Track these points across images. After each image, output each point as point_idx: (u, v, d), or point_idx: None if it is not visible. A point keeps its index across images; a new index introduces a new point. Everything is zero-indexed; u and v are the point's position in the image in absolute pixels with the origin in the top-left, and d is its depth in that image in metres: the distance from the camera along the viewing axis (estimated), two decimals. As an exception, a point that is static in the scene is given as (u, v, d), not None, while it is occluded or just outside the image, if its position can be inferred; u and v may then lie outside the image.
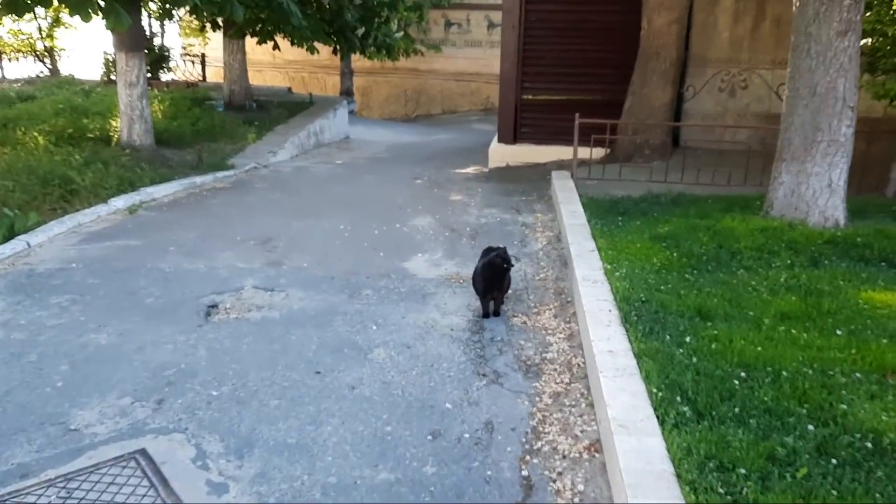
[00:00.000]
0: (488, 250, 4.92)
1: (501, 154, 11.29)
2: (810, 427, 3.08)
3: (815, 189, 6.02)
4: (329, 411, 3.65)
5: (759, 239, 5.82)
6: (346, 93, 21.53)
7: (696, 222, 6.35)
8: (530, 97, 11.16)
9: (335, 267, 5.91)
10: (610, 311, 4.27)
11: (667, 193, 7.68)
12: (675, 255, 5.48)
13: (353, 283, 5.51)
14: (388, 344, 4.43)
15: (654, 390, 3.34)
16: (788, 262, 5.31)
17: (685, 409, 3.20)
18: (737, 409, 3.20)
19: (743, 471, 2.80)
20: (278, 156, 11.48)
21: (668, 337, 3.93)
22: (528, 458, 3.30)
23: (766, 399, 3.29)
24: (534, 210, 7.96)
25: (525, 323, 4.79)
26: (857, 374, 3.53)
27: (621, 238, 5.90)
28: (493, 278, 4.57)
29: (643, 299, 4.48)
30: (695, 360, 3.66)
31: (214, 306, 5.00)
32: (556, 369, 4.12)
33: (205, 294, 5.20)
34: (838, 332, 4.02)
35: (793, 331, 4.03)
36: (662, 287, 4.76)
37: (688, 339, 3.90)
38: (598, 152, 9.22)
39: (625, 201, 7.49)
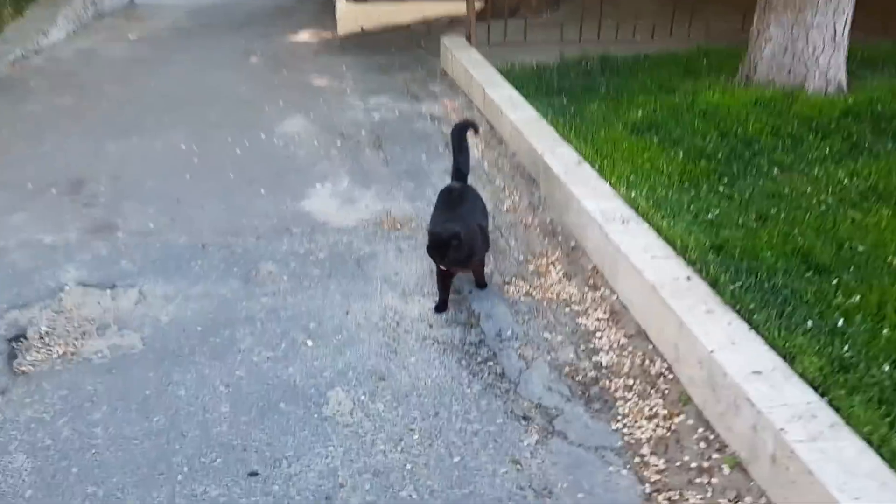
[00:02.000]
0: (446, 192, 3.28)
1: (353, 15, 9.08)
2: None
3: (816, 44, 4.72)
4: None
5: (762, 118, 4.52)
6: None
7: (669, 100, 4.91)
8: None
9: (200, 224, 3.90)
10: (688, 278, 2.76)
11: (588, 57, 6.11)
12: (679, 154, 4.04)
13: (239, 254, 3.58)
14: (345, 376, 2.71)
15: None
16: (825, 150, 4.06)
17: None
18: None
19: None
20: (51, 36, 8.50)
21: (808, 323, 2.51)
22: None
23: None
24: (434, 94, 6.15)
25: (531, 295, 3.19)
26: None
27: (593, 134, 4.33)
28: (446, 257, 2.91)
29: (710, 245, 3.00)
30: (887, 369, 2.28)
31: (19, 338, 2.93)
32: (630, 387, 2.61)
33: (-4, 312, 3.08)
34: None
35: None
36: (711, 215, 3.30)
37: (839, 321, 2.50)
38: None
39: (548, 73, 5.86)
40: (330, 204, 4.11)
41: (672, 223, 3.19)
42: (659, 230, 3.13)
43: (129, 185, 4.40)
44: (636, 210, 3.34)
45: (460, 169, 3.29)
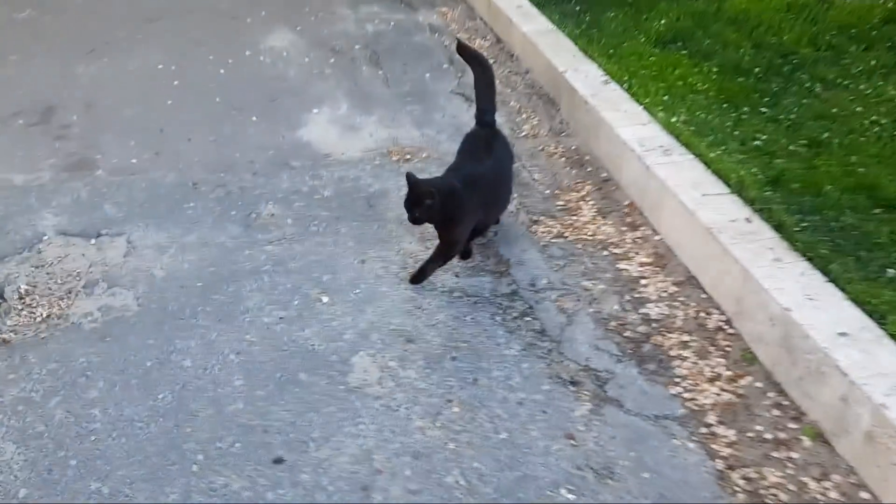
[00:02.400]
0: (470, 138, 2.86)
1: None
2: None
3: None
4: None
5: (797, 26, 4.13)
6: None
7: (693, 6, 4.50)
8: None
9: (188, 158, 3.52)
10: (748, 220, 2.48)
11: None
12: (712, 70, 3.67)
13: (236, 194, 3.22)
14: (369, 339, 2.43)
15: None
16: (870, 63, 3.71)
17: None
18: None
19: None
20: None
21: (889, 272, 2.25)
22: None
23: None
24: (430, 1, 5.62)
25: (563, 236, 2.89)
26: None
27: (615, 48, 3.94)
28: (414, 212, 2.53)
29: (766, 179, 2.70)
30: None
31: (-3, 299, 2.60)
32: (686, 344, 2.36)
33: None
34: None
35: None
36: (758, 141, 2.99)
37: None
38: None
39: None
40: (330, 132, 3.72)
41: (720, 153, 2.86)
42: (707, 162, 2.81)
43: (105, 113, 3.97)
44: (677, 138, 3.01)
45: (483, 109, 2.85)
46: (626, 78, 3.58)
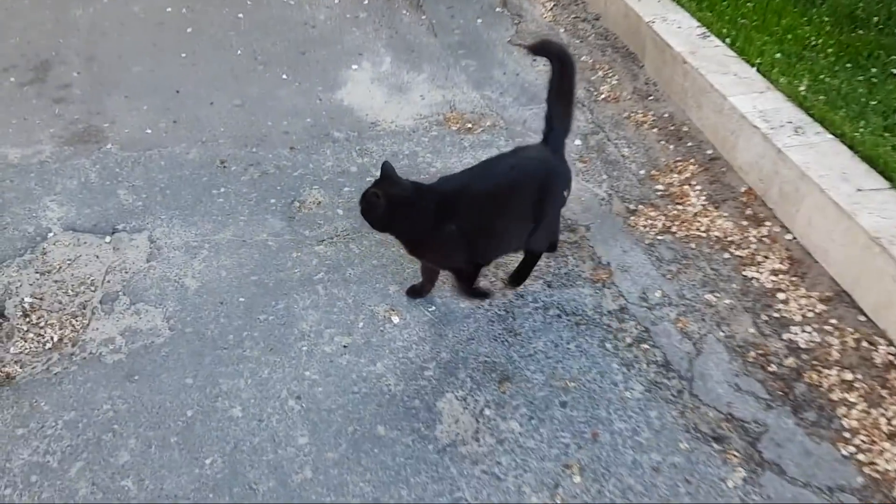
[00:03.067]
0: (495, 161, 2.15)
1: None
2: None
3: None
4: None
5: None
6: None
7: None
8: None
9: (212, 127, 3.00)
10: (920, 232, 1.98)
11: None
12: (823, 19, 3.11)
13: (273, 175, 2.73)
14: (456, 375, 2.03)
15: None
16: None
17: None
18: None
19: None
20: None
21: None
22: None
23: None
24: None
25: (670, 231, 2.42)
26: None
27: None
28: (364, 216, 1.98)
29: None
30: None
31: (-3, 319, 2.14)
32: (849, 384, 1.93)
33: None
34: None
35: None
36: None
37: None
38: None
39: None
40: (375, 94, 3.18)
41: (863, 131, 2.34)
42: (852, 144, 2.30)
43: (109, 68, 3.41)
44: (807, 111, 2.48)
45: (554, 127, 2.12)
46: (724, 30, 3.02)
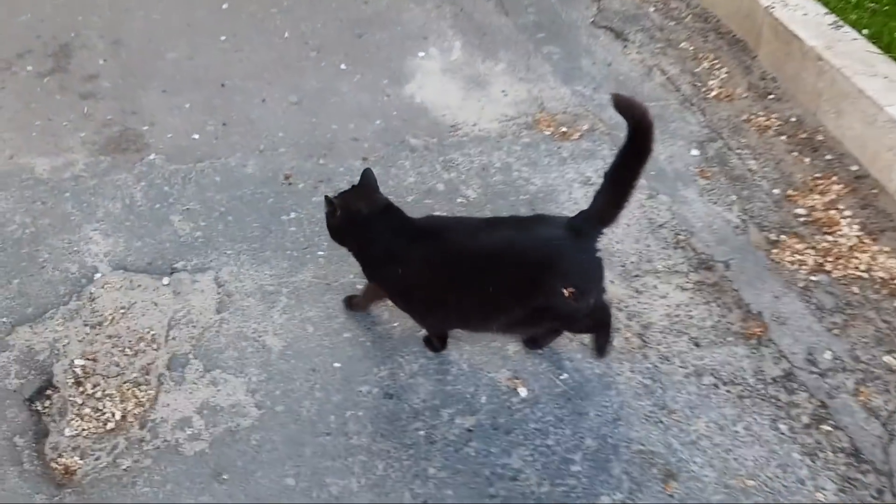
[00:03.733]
0: (529, 224, 1.79)
1: None
2: None
3: None
4: None
5: None
6: None
7: None
8: None
9: (268, 130, 2.64)
10: None
11: None
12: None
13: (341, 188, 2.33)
14: (609, 472, 1.71)
15: None
16: None
17: None
18: None
19: None
20: None
21: None
22: None
23: None
24: None
25: (824, 270, 2.07)
26: None
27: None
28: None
29: None
30: None
31: (43, 392, 1.80)
32: None
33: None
34: None
35: None
36: None
37: None
38: None
39: None
40: (450, 89, 2.78)
41: None
42: None
43: (140, 54, 2.98)
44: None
45: (599, 197, 1.66)
46: (854, 17, 2.61)
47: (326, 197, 1.73)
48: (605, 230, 1.65)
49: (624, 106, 1.60)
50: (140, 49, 3.02)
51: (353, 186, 1.80)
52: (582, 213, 1.65)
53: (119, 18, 3.20)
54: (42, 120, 2.67)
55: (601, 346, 1.82)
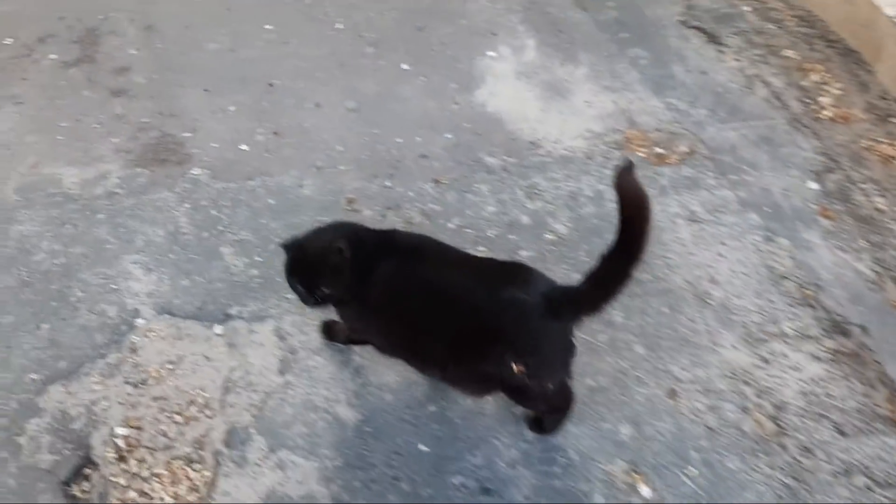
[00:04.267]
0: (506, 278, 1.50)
1: None
2: None
3: None
4: None
5: None
6: None
7: None
8: None
9: (326, 144, 2.35)
10: None
11: None
12: None
13: (422, 227, 2.05)
14: None
15: None
16: None
17: None
18: None
19: None
20: None
21: None
22: None
23: None
24: None
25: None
26: None
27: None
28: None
29: None
30: None
31: (81, 470, 1.52)
32: None
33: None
34: None
35: None
36: None
37: None
38: None
39: None
40: (526, 97, 2.46)
41: None
42: None
43: (175, 43, 2.67)
44: None
45: (590, 278, 1.38)
46: None
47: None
48: (584, 316, 1.41)
49: (624, 188, 1.32)
50: (176, 37, 2.70)
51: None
52: (565, 289, 1.42)
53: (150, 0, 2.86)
54: (69, 120, 2.36)
55: (547, 426, 1.60)
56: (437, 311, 1.42)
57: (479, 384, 1.52)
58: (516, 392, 1.49)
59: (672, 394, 1.69)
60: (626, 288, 1.34)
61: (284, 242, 1.47)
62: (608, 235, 1.37)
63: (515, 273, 1.48)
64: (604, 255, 1.35)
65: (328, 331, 1.75)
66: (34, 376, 1.69)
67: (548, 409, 1.58)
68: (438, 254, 1.54)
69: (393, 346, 1.59)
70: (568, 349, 1.46)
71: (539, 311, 1.37)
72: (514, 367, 1.38)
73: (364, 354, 1.74)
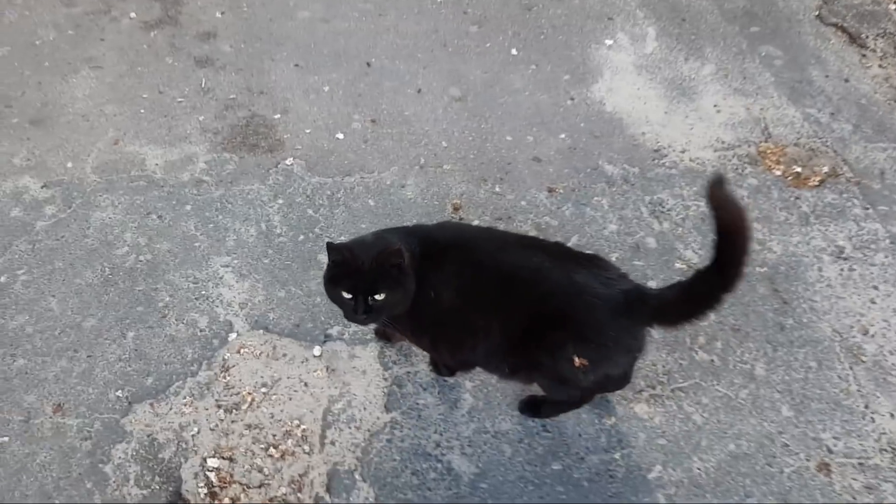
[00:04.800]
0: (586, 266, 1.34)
1: None
2: None
3: None
4: None
5: None
6: None
7: None
8: None
9: (429, 136, 2.15)
10: None
11: None
12: None
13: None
14: None
15: None
16: None
17: None
18: None
19: None
20: None
21: None
22: None
23: None
24: None
25: None
26: None
27: None
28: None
29: None
30: None
31: (178, 517, 1.38)
32: None
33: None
34: None
35: None
36: None
37: None
38: None
39: None
40: (648, 96, 2.23)
41: None
42: None
43: (266, 9, 2.49)
44: None
45: (672, 293, 1.28)
46: None
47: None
48: (658, 325, 1.31)
49: (719, 203, 1.20)
50: (265, 2, 2.49)
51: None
52: (647, 290, 1.30)
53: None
54: (150, 91, 2.18)
55: (545, 411, 1.51)
56: (508, 293, 1.28)
57: (522, 369, 1.37)
58: (562, 382, 1.35)
59: (824, 468, 1.49)
60: (712, 312, 1.22)
61: (331, 243, 1.26)
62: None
63: (592, 261, 1.33)
64: (699, 270, 1.21)
65: (437, 364, 1.58)
66: (119, 393, 1.54)
67: (577, 403, 1.47)
68: (502, 239, 1.40)
69: (458, 338, 1.39)
70: (634, 352, 1.32)
71: (612, 305, 1.24)
72: (577, 359, 1.24)
73: (478, 395, 1.57)
